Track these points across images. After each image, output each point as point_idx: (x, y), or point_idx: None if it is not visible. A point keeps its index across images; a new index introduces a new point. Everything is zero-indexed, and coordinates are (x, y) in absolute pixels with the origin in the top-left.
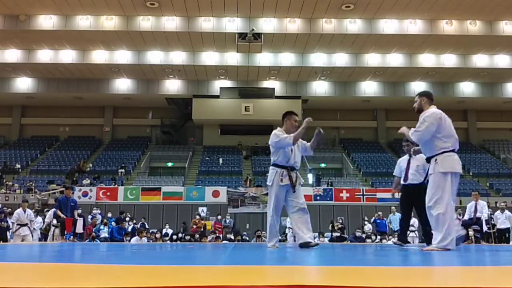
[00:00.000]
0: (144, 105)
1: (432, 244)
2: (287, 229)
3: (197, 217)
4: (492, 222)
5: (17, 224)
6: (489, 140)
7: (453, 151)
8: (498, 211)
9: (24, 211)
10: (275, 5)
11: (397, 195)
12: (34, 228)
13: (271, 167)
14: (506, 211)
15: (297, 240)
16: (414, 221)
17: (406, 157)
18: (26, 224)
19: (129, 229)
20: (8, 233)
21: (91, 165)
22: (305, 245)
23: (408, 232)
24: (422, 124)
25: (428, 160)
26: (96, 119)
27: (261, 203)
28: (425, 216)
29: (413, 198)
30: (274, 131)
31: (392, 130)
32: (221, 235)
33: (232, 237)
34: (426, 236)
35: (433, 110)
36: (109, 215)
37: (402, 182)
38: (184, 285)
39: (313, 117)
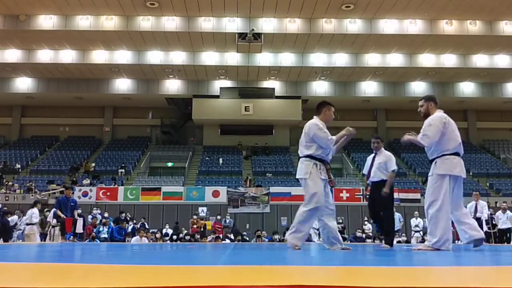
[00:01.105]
0: (144, 105)
1: (425, 244)
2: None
3: (194, 217)
4: (493, 222)
5: (27, 224)
6: (489, 140)
7: (455, 154)
8: (500, 211)
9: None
10: (275, 5)
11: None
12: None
13: (305, 159)
14: (508, 212)
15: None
16: (419, 221)
17: (373, 154)
18: (35, 224)
19: (129, 229)
20: (14, 233)
21: (93, 164)
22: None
23: (413, 232)
24: (430, 128)
25: (431, 162)
26: (96, 119)
27: (261, 203)
28: (386, 217)
29: (375, 195)
30: (314, 122)
31: (392, 130)
32: (221, 235)
33: (232, 237)
34: (386, 237)
35: (439, 114)
36: (106, 214)
37: (367, 180)
38: (184, 285)
39: (313, 117)
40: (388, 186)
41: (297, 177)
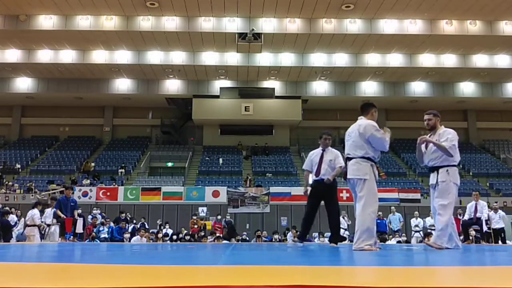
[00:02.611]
0: (144, 105)
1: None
2: (290, 230)
3: (194, 217)
4: (488, 224)
5: (28, 225)
6: (489, 140)
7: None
8: (492, 212)
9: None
10: (275, 5)
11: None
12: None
13: (361, 160)
14: (500, 211)
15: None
16: (419, 221)
17: (318, 151)
18: (37, 225)
19: (129, 229)
20: (13, 233)
21: (93, 164)
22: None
23: (413, 232)
24: (454, 140)
25: (435, 168)
26: (96, 119)
27: (261, 203)
28: (334, 215)
29: (323, 193)
30: (370, 123)
31: (392, 130)
32: (221, 235)
33: (228, 240)
34: (333, 235)
35: (450, 130)
36: (99, 211)
37: (313, 177)
38: (184, 285)
39: (313, 117)
40: (333, 176)
41: (353, 177)
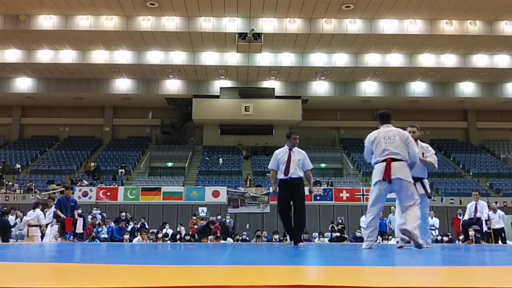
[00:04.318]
0: (144, 105)
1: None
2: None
3: (194, 217)
4: (487, 224)
5: (31, 225)
6: (489, 140)
7: None
8: (491, 211)
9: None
10: (275, 5)
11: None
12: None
13: (406, 164)
14: (499, 211)
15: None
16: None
17: (284, 150)
18: (41, 225)
19: (129, 229)
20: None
21: (93, 164)
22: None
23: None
24: (434, 155)
25: (418, 179)
26: (96, 119)
27: (261, 203)
28: (301, 212)
29: (293, 191)
30: (407, 134)
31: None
32: (220, 235)
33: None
34: (292, 235)
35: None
36: (99, 211)
37: (282, 176)
38: (184, 285)
39: (313, 117)
40: (312, 185)
41: (403, 178)
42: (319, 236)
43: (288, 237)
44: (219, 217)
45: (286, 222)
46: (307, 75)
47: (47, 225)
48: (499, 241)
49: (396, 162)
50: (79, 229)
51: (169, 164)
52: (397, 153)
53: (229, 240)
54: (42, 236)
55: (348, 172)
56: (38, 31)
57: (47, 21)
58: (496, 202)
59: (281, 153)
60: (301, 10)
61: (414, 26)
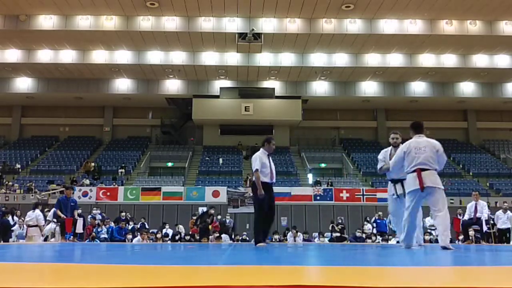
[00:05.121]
0: (144, 105)
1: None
2: (290, 230)
3: (194, 217)
4: (492, 222)
5: (30, 226)
6: (489, 140)
7: None
8: (500, 211)
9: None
10: (275, 5)
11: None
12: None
13: (436, 172)
14: (508, 212)
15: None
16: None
17: (264, 154)
18: (41, 225)
19: (129, 228)
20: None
21: (93, 164)
22: None
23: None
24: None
25: (399, 181)
26: (96, 119)
27: None
28: (273, 215)
29: (271, 195)
30: (438, 143)
31: (392, 130)
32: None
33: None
34: (267, 234)
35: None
36: (99, 211)
37: (267, 180)
38: (184, 285)
39: (313, 117)
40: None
41: (433, 186)
42: (319, 236)
43: (287, 236)
44: (219, 217)
45: (265, 225)
46: (307, 75)
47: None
48: (504, 242)
49: (426, 171)
50: (79, 229)
51: (169, 164)
52: (430, 162)
53: (225, 237)
54: (46, 237)
55: (348, 172)
56: (38, 31)
57: (47, 21)
58: (505, 202)
59: (263, 158)
60: (301, 10)
61: (414, 26)
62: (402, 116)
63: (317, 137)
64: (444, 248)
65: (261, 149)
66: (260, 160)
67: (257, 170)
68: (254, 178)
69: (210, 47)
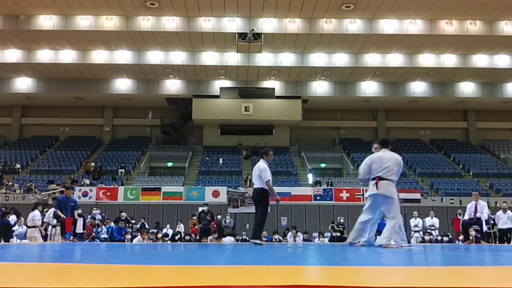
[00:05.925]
0: (144, 105)
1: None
2: (290, 230)
3: (194, 217)
4: (492, 222)
5: (30, 226)
6: (489, 140)
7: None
8: (500, 211)
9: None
10: (275, 5)
11: None
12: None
13: (393, 183)
14: (509, 211)
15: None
16: (419, 221)
17: (265, 164)
18: (37, 226)
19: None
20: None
21: (93, 164)
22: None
23: (412, 232)
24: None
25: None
26: (96, 119)
27: None
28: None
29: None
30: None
31: (392, 130)
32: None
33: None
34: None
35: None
36: (99, 211)
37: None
38: (184, 285)
39: (313, 117)
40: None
41: (387, 195)
42: (319, 236)
43: (287, 236)
44: (219, 217)
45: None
46: (307, 75)
47: (49, 225)
48: (505, 242)
49: (383, 181)
50: (79, 229)
51: (169, 164)
52: (390, 175)
53: (229, 239)
54: (46, 237)
55: (348, 172)
56: (38, 31)
57: (47, 21)
58: (504, 202)
59: (266, 166)
60: (301, 10)
61: (414, 26)
62: (402, 116)
63: (317, 137)
64: (380, 246)
65: (262, 160)
66: (268, 170)
67: (269, 180)
68: (265, 186)
69: (210, 47)
